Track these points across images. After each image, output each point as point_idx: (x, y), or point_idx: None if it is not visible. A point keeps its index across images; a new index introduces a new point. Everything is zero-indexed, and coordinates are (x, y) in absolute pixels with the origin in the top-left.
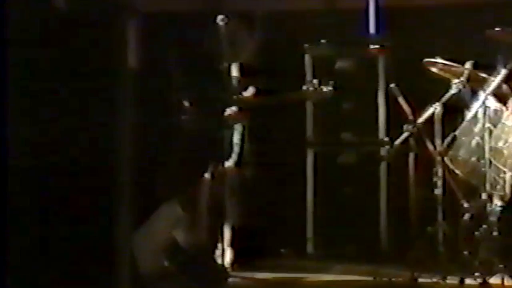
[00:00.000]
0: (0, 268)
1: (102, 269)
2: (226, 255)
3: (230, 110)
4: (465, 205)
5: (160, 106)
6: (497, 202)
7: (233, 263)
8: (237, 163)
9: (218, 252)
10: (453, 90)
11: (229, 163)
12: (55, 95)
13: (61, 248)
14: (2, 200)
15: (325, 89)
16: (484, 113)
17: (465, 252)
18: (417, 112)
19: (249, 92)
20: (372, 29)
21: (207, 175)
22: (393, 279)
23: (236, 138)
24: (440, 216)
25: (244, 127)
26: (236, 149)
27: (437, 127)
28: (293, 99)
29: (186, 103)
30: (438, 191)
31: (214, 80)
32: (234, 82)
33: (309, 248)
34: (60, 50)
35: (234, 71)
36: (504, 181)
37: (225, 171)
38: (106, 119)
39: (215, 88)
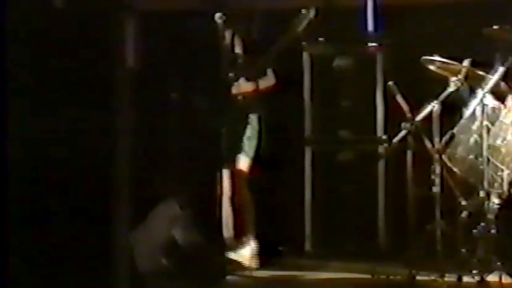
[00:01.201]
0: (0, 267)
1: (100, 267)
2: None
3: (238, 85)
4: (463, 203)
5: (159, 104)
6: (495, 200)
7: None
8: (255, 158)
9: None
10: (451, 88)
11: (243, 159)
12: (53, 94)
13: (60, 247)
14: (2, 200)
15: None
16: (482, 111)
17: (463, 250)
18: (415, 110)
19: (270, 80)
20: (370, 27)
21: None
22: (391, 277)
23: (249, 132)
24: (438, 214)
25: (260, 118)
26: (251, 143)
27: (435, 125)
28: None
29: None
30: (436, 189)
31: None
32: (239, 59)
33: (307, 246)
34: (58, 49)
35: (238, 48)
36: (502, 179)
37: (245, 167)
38: (104, 117)
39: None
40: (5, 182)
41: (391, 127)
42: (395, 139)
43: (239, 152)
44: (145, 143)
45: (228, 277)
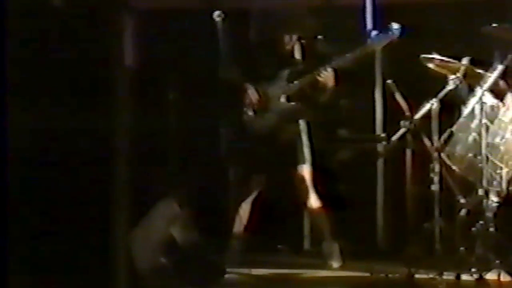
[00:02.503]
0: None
1: (99, 266)
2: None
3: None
4: (462, 201)
5: (157, 103)
6: (494, 198)
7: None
8: (313, 164)
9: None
10: (450, 86)
11: (307, 168)
12: (51, 93)
13: (59, 245)
14: (2, 199)
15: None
16: (481, 109)
17: (462, 248)
18: (414, 108)
19: (329, 76)
20: (369, 25)
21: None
22: (389, 275)
23: (304, 138)
24: (436, 212)
25: (309, 123)
26: (309, 150)
27: (434, 123)
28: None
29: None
30: (435, 187)
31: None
32: (298, 65)
33: (306, 244)
34: (56, 48)
35: (297, 54)
36: (501, 177)
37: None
38: (103, 116)
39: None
40: (5, 182)
41: (390, 125)
42: (394, 137)
43: (299, 161)
44: (144, 142)
45: (227, 276)
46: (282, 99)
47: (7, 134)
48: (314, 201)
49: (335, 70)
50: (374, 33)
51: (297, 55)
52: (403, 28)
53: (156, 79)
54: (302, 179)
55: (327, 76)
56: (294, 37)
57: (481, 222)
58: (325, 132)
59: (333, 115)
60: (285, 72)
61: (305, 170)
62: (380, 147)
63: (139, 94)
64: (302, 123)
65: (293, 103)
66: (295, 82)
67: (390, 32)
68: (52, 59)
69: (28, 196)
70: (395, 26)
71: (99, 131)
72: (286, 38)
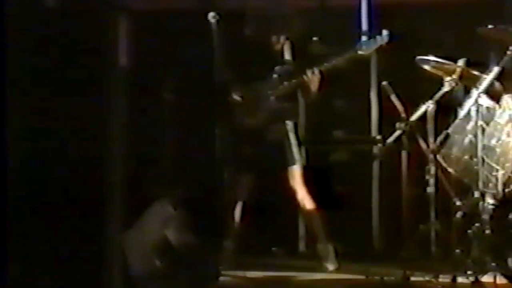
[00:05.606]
0: None
1: (93, 268)
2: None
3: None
4: (458, 203)
5: (152, 103)
6: (490, 200)
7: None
8: (304, 165)
9: None
10: (445, 88)
11: (297, 168)
12: (47, 94)
13: (53, 246)
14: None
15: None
16: (477, 111)
17: (458, 251)
18: (409, 110)
19: (314, 80)
20: (364, 26)
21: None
22: (385, 278)
23: (292, 138)
24: (432, 214)
25: (296, 124)
26: (300, 151)
27: (430, 125)
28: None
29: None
30: (430, 189)
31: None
32: (288, 66)
33: (301, 246)
34: (52, 49)
35: (287, 54)
36: (497, 179)
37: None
38: (98, 117)
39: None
40: (5, 183)
41: (386, 127)
42: (390, 139)
43: (288, 162)
44: (138, 143)
45: (222, 278)
46: (272, 100)
47: (7, 134)
48: (307, 203)
49: (322, 74)
50: (363, 38)
51: (287, 55)
52: (391, 35)
53: (151, 79)
54: (293, 180)
55: (312, 79)
56: (283, 37)
57: (477, 224)
58: (320, 134)
59: (328, 116)
60: (275, 73)
61: (296, 171)
62: (375, 149)
63: (134, 95)
64: (289, 124)
65: (281, 104)
66: (285, 83)
67: (379, 38)
68: (49, 60)
69: (26, 197)
70: (384, 32)
71: (94, 131)
72: (277, 38)
